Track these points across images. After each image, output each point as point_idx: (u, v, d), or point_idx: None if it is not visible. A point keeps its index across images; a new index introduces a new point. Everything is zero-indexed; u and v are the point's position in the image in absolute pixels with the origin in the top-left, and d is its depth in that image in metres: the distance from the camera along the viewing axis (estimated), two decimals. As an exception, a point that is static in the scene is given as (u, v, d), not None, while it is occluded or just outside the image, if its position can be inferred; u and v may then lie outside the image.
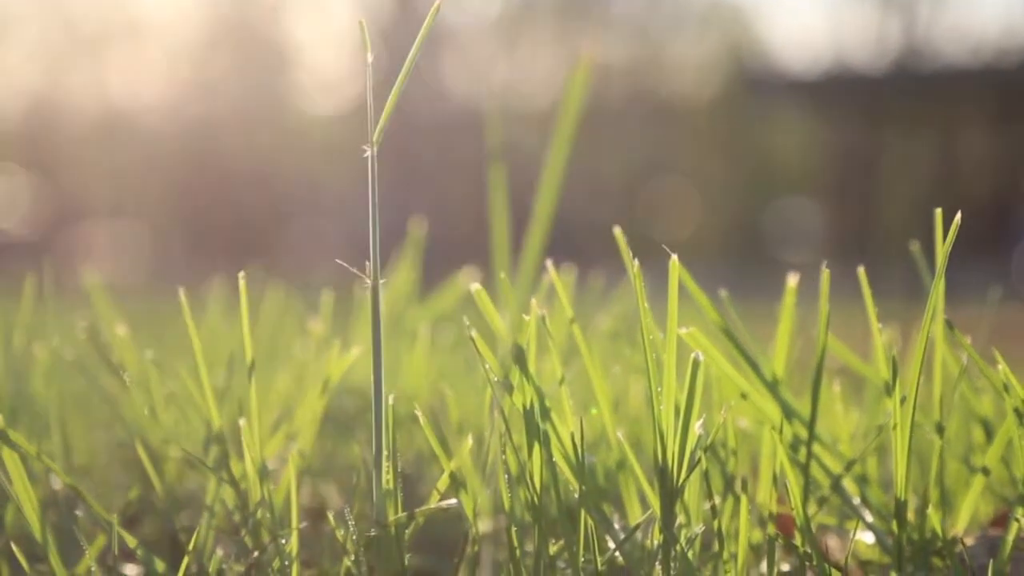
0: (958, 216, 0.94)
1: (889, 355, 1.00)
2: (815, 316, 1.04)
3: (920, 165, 16.07)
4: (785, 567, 1.06)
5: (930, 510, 1.01)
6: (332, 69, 19.35)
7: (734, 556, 0.97)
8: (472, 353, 1.02)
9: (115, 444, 1.36)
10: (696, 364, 0.91)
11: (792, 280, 1.05)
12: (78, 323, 1.43)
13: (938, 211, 1.00)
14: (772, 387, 1.06)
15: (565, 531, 0.93)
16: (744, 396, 1.06)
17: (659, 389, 0.92)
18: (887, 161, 16.51)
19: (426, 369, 1.47)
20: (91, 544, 1.00)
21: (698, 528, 0.95)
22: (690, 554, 0.93)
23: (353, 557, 0.96)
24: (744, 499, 0.96)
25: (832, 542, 1.18)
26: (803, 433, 1.05)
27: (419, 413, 0.95)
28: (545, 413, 0.94)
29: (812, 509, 1.06)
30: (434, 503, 0.95)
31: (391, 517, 0.92)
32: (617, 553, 0.96)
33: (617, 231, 1.01)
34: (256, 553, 0.99)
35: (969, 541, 1.08)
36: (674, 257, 0.92)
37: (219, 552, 1.01)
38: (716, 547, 0.97)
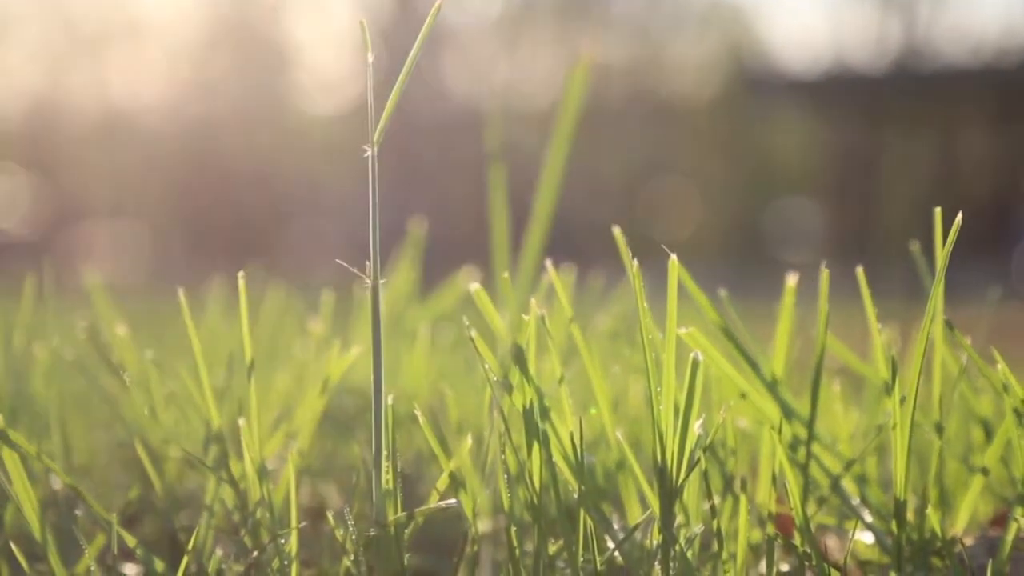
0: (959, 217, 0.94)
1: (888, 355, 1.00)
2: (815, 316, 1.04)
3: (920, 165, 16.07)
4: (784, 567, 1.06)
5: (929, 510, 1.01)
6: (332, 69, 19.36)
7: (733, 556, 0.97)
8: (472, 353, 1.02)
9: (115, 444, 1.37)
10: (695, 364, 0.91)
11: (791, 280, 1.06)
12: (78, 323, 1.43)
13: (938, 211, 1.00)
14: (771, 387, 1.06)
15: (564, 531, 0.93)
16: (743, 396, 1.06)
17: (658, 389, 0.92)
18: (887, 161, 16.51)
19: (426, 369, 1.47)
20: (91, 544, 1.00)
21: (697, 528, 0.95)
22: (689, 554, 0.93)
23: (352, 557, 0.96)
24: (743, 499, 0.96)
25: (831, 542, 1.18)
26: (802, 433, 1.05)
27: (419, 413, 0.95)
28: (544, 413, 0.94)
29: (811, 509, 1.06)
30: (433, 503, 0.95)
31: (391, 517, 0.92)
32: (616, 553, 0.96)
33: (617, 231, 1.01)
34: (255, 553, 0.99)
35: (968, 541, 1.08)
36: (673, 257, 0.92)
37: (218, 552, 1.01)
38: (715, 547, 0.97)
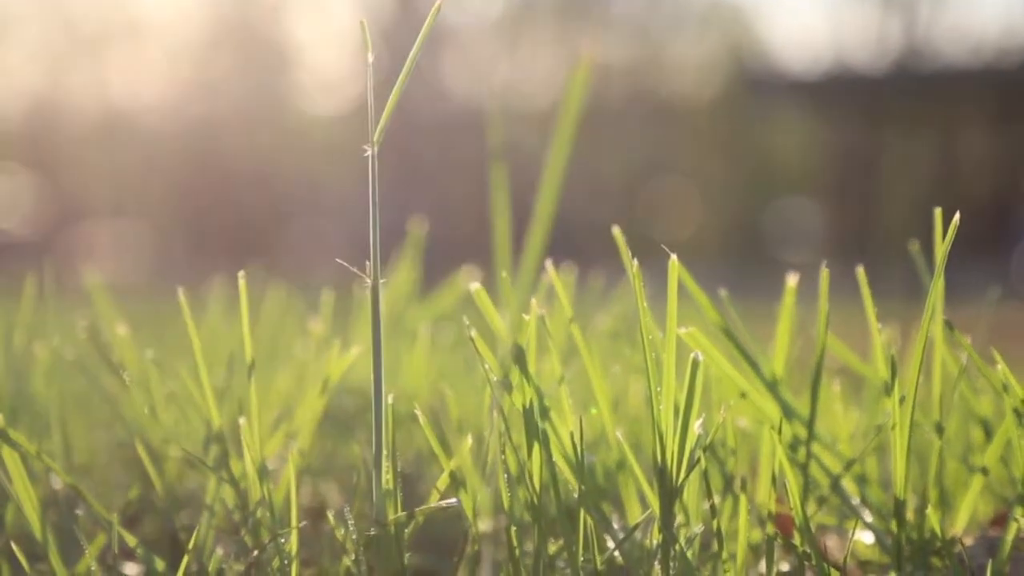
0: (957, 216, 0.95)
1: (888, 355, 1.00)
2: (815, 316, 1.04)
3: (920, 165, 16.07)
4: (784, 567, 1.06)
5: (929, 510, 1.01)
6: (333, 69, 19.35)
7: (733, 556, 0.97)
8: (472, 353, 1.02)
9: (115, 443, 1.37)
10: (695, 364, 0.91)
11: (792, 280, 1.06)
12: (79, 323, 1.43)
13: (938, 211, 1.01)
14: (771, 387, 1.06)
15: (564, 530, 0.93)
16: (743, 396, 1.06)
17: (659, 389, 0.92)
18: (887, 161, 16.51)
19: (426, 369, 1.47)
20: (91, 543, 1.00)
21: (697, 528, 0.96)
22: (689, 554, 0.93)
23: (353, 556, 0.96)
24: (743, 499, 0.96)
25: (831, 542, 1.18)
26: (802, 433, 1.05)
27: (419, 412, 0.95)
28: (545, 413, 0.94)
29: (811, 509, 1.06)
30: (434, 502, 0.95)
31: (391, 516, 0.93)
32: (616, 553, 0.96)
33: (617, 231, 1.01)
34: (256, 552, 1.00)
35: (968, 541, 1.09)
36: (673, 257, 0.93)
37: (219, 551, 1.01)
38: (715, 547, 0.97)
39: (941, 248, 0.97)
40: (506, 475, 0.93)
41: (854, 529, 1.05)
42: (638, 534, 0.98)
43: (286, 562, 0.97)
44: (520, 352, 0.93)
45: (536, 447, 0.93)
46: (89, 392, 1.39)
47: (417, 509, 0.94)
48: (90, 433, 1.40)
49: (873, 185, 16.42)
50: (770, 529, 0.96)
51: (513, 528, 0.93)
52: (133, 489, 1.20)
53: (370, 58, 0.88)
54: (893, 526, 1.00)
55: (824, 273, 1.01)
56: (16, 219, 16.36)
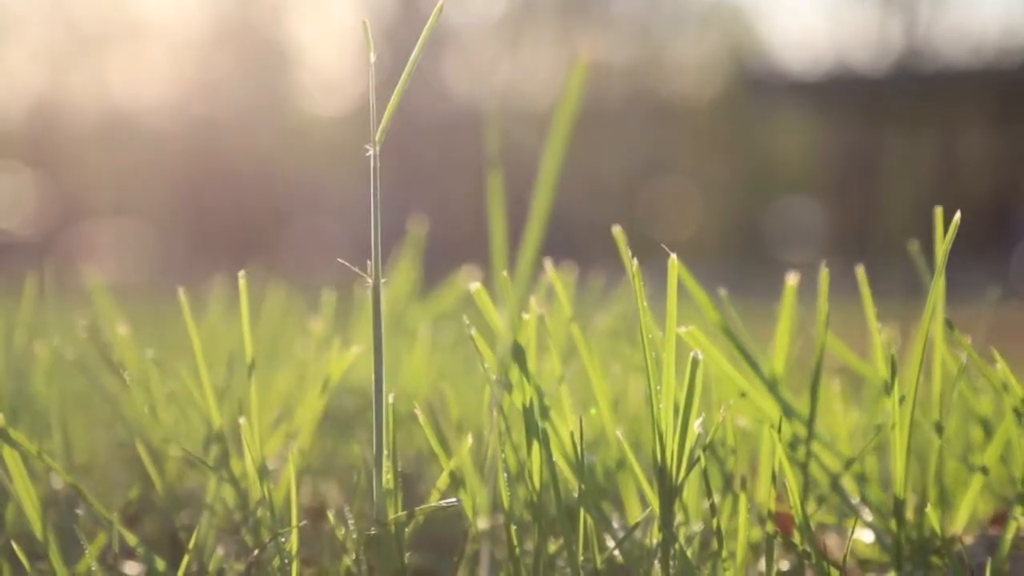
0: (957, 215, 0.95)
1: (888, 354, 1.00)
2: (815, 315, 1.04)
3: (920, 165, 16.06)
4: (784, 565, 1.07)
5: (929, 509, 1.01)
6: (335, 69, 19.35)
7: (733, 554, 0.97)
8: (472, 352, 1.02)
9: (116, 443, 1.37)
10: (695, 363, 0.91)
11: (792, 279, 1.06)
12: (79, 322, 1.43)
13: (938, 210, 1.01)
14: (771, 386, 1.06)
15: (564, 530, 0.93)
16: (743, 395, 1.06)
17: (658, 388, 0.92)
18: (887, 161, 16.50)
19: (426, 368, 1.47)
20: (92, 543, 1.00)
21: (697, 526, 0.96)
22: (689, 552, 0.93)
23: (353, 556, 0.96)
24: (743, 498, 0.96)
25: (831, 541, 1.18)
26: (802, 432, 1.05)
27: (419, 412, 0.95)
28: (544, 412, 0.94)
29: (811, 508, 1.06)
30: (434, 502, 0.95)
31: (391, 516, 0.93)
32: (616, 552, 0.96)
33: (617, 231, 1.01)
34: (256, 551, 1.00)
35: (968, 540, 1.09)
36: (673, 256, 0.93)
37: (219, 551, 1.02)
38: (715, 545, 0.97)
39: (941, 248, 0.97)
40: (506, 474, 0.93)
41: (854, 528, 1.05)
42: (638, 533, 0.98)
43: (286, 561, 0.97)
44: (520, 351, 0.93)
45: (536, 446, 0.93)
46: (89, 392, 1.39)
47: (417, 508, 0.94)
48: (90, 433, 1.40)
49: (873, 185, 16.42)
50: (770, 528, 0.96)
51: (513, 527, 0.93)
52: (133, 489, 1.20)
53: (372, 58, 0.88)
54: (893, 525, 1.00)
55: (824, 273, 1.01)
56: (17, 219, 16.36)
